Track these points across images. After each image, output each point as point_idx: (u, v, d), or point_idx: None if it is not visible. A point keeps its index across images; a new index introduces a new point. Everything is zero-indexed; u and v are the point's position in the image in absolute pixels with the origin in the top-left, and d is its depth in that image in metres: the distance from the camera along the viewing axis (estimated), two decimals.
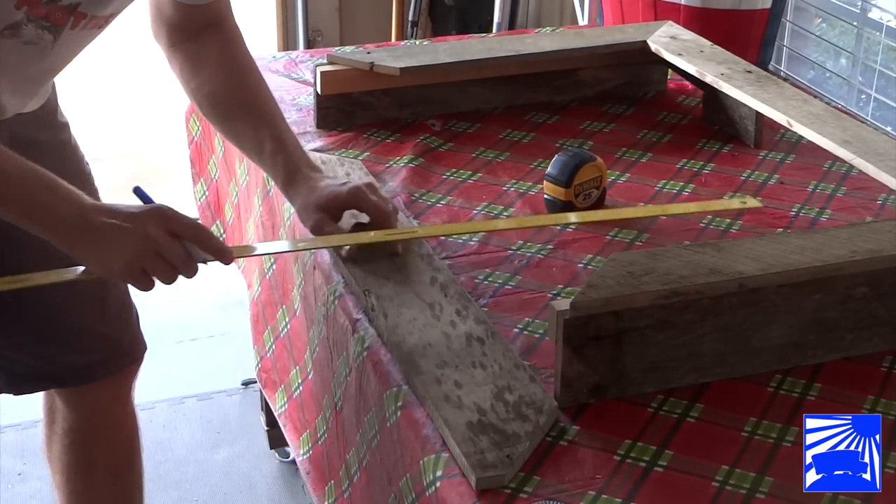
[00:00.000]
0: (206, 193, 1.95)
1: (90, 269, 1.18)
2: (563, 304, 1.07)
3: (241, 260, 1.81)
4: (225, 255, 1.20)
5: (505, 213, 1.46)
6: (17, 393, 1.55)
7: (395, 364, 1.15)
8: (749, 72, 1.66)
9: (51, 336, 1.47)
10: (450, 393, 1.08)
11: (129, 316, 1.58)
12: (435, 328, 1.18)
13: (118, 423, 1.63)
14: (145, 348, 1.62)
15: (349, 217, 1.33)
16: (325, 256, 1.36)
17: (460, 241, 1.39)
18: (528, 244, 1.39)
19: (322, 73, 1.68)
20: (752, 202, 1.31)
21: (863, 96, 2.44)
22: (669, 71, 1.86)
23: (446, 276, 1.28)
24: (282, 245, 1.44)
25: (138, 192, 1.23)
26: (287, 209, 1.49)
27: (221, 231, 1.91)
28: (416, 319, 1.20)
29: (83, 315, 1.49)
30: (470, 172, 1.58)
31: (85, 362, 1.53)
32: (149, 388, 2.52)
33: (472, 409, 1.06)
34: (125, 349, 1.59)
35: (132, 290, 1.53)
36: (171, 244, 1.16)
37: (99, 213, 1.15)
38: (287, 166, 1.34)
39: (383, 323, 1.20)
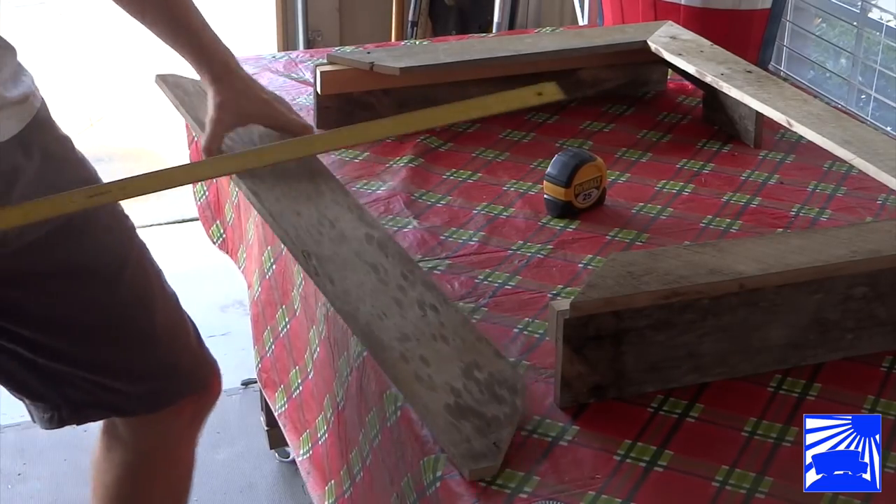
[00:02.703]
0: (206, 193, 1.95)
1: None
2: (563, 304, 1.07)
3: (241, 260, 1.81)
4: None
5: (505, 213, 1.46)
6: (80, 422, 1.44)
7: (353, 336, 1.14)
8: (749, 72, 1.66)
9: (106, 364, 1.39)
10: (419, 371, 1.07)
11: (184, 336, 1.47)
12: (384, 294, 1.16)
13: (176, 463, 1.55)
14: (215, 374, 1.50)
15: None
16: None
17: (460, 241, 1.39)
18: (528, 244, 1.39)
19: (322, 73, 1.68)
20: (550, 91, 1.21)
21: (863, 96, 2.44)
22: (669, 71, 1.86)
23: (380, 232, 1.25)
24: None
25: None
26: None
27: (222, 231, 1.91)
28: (364, 284, 1.17)
29: (131, 340, 1.41)
30: (470, 172, 1.58)
31: (146, 391, 1.43)
32: None
33: (445, 390, 1.06)
34: (184, 374, 1.46)
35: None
36: None
37: None
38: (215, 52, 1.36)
39: (331, 289, 1.17)
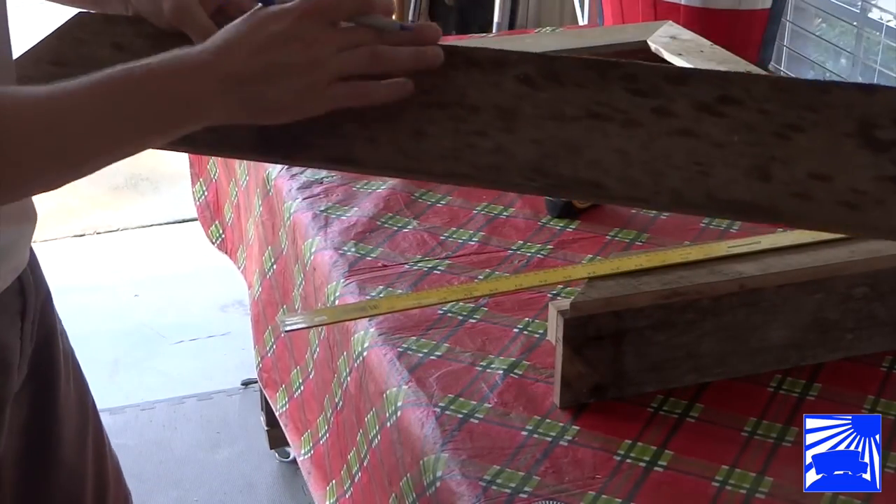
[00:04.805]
0: (206, 193, 1.96)
1: (288, 117, 0.91)
2: (563, 304, 1.07)
3: (240, 260, 1.81)
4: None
5: (505, 213, 1.46)
6: None
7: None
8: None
9: None
10: None
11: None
12: None
13: None
14: None
15: None
16: (325, 258, 1.36)
17: (460, 241, 1.39)
18: (528, 244, 1.39)
19: None
20: None
21: None
22: None
23: None
24: None
25: None
26: (287, 209, 1.49)
27: (221, 231, 1.92)
28: None
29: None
30: None
31: None
32: (149, 388, 2.53)
33: None
34: None
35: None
36: (346, 34, 0.89)
37: (232, 57, 0.86)
38: None
39: None
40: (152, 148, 0.89)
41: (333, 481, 1.32)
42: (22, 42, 0.99)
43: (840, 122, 0.90)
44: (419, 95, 0.94)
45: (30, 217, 1.06)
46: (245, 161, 1.72)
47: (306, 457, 1.43)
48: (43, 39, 1.00)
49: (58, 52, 1.00)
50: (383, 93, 0.91)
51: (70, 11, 1.05)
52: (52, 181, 0.86)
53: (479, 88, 0.94)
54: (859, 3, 2.41)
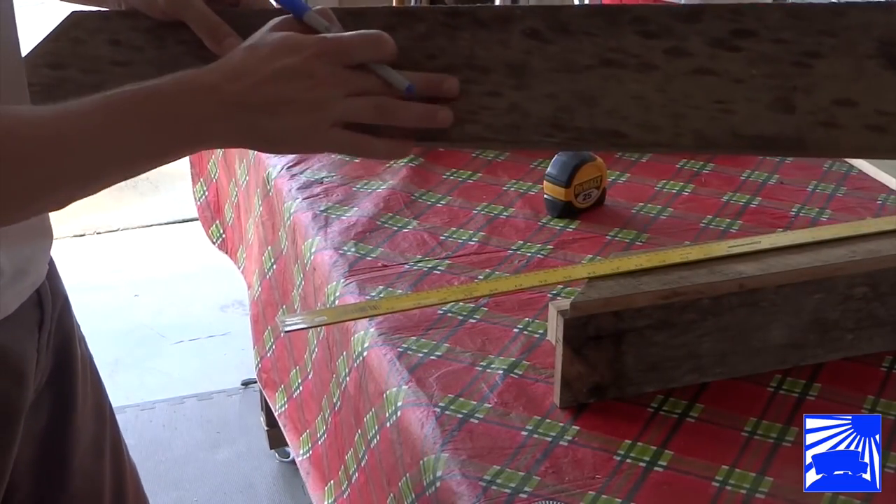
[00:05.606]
0: (206, 193, 1.96)
1: (287, 150, 0.94)
2: (563, 304, 1.07)
3: (240, 260, 1.81)
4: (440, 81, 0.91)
5: (505, 213, 1.46)
6: None
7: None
8: None
9: None
10: None
11: None
12: None
13: None
14: None
15: None
16: (325, 258, 1.36)
17: (460, 241, 1.39)
18: (528, 244, 1.39)
19: None
20: None
21: None
22: None
23: None
24: None
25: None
26: (287, 209, 1.49)
27: (221, 231, 1.92)
28: None
29: None
30: (470, 172, 1.58)
31: None
32: (149, 388, 2.53)
33: None
34: None
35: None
36: (355, 79, 0.87)
37: (239, 83, 0.84)
38: None
39: None
40: (159, 166, 0.88)
41: (331, 482, 1.32)
42: (24, 43, 1.00)
43: (860, 44, 0.88)
44: (425, 61, 0.93)
45: (46, 233, 1.06)
46: (245, 161, 1.72)
47: (305, 457, 1.43)
48: (39, 43, 1.00)
49: (55, 54, 0.99)
50: (383, 152, 0.91)
51: (67, 9, 1.05)
52: (59, 200, 0.86)
53: (487, 47, 0.93)
54: None
